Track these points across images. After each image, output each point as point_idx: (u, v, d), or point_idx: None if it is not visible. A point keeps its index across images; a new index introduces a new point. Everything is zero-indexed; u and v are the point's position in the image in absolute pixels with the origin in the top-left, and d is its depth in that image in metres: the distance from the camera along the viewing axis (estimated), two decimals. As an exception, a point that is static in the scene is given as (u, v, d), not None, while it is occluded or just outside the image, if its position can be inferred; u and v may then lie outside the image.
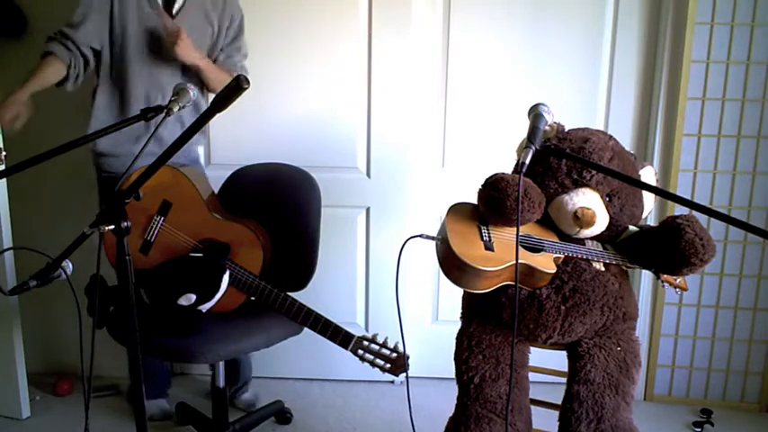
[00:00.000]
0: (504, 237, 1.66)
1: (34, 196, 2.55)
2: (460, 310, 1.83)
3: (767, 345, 2.51)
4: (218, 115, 1.25)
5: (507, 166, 1.86)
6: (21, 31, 2.41)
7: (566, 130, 1.80)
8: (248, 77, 1.21)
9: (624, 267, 1.72)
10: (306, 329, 1.95)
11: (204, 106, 2.17)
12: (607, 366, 1.61)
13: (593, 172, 1.68)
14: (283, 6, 2.41)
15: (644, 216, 1.83)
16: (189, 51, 2.02)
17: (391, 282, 2.52)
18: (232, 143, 2.53)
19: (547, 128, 1.52)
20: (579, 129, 1.81)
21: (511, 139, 1.89)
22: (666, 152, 2.43)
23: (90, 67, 2.11)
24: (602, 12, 2.42)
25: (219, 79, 2.12)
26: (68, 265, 1.28)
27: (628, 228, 1.75)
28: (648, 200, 1.81)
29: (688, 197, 1.83)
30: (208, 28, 2.15)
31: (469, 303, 1.81)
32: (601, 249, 1.71)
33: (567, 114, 1.87)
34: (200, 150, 2.42)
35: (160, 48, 2.07)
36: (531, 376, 1.73)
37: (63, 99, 2.49)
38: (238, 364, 2.42)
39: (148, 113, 1.45)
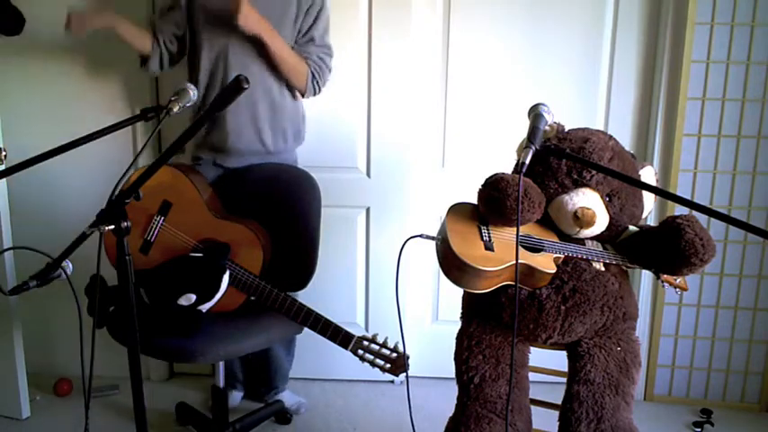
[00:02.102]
0: (504, 237, 1.66)
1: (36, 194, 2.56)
2: (460, 310, 1.83)
3: (767, 345, 2.51)
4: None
5: (507, 166, 1.86)
6: (18, 30, 2.41)
7: (566, 130, 1.80)
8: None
9: (624, 267, 1.72)
10: (306, 329, 1.95)
11: (284, 100, 2.16)
12: (607, 366, 1.61)
13: (593, 172, 1.68)
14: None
15: (644, 216, 1.83)
16: (252, 19, 1.93)
17: (391, 282, 2.52)
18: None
19: (547, 128, 1.52)
20: (579, 129, 1.81)
21: (511, 139, 1.89)
22: (666, 152, 2.43)
23: (175, 55, 2.15)
24: (602, 12, 2.42)
25: (290, 62, 2.06)
26: (68, 265, 1.29)
27: (628, 228, 1.75)
28: (648, 200, 1.81)
29: (688, 197, 1.83)
30: (287, 10, 2.09)
31: (469, 303, 1.81)
32: (601, 249, 1.71)
33: (567, 114, 1.87)
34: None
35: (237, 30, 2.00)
36: (531, 376, 1.73)
37: (63, 99, 2.50)
38: (268, 368, 2.42)
39: (148, 113, 1.45)
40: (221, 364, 2.04)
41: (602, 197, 1.70)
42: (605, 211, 1.71)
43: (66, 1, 2.39)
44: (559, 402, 1.66)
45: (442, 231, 1.66)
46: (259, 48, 2.04)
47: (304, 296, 2.00)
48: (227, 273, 1.86)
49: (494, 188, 1.62)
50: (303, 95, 2.21)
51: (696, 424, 2.41)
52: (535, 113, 1.41)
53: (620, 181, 1.68)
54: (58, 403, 2.49)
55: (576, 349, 1.66)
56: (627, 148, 1.83)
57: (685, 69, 2.34)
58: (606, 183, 1.70)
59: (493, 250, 1.61)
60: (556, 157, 1.71)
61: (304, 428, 2.35)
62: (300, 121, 2.25)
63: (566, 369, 1.69)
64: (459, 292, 1.79)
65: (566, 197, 1.70)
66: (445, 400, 1.82)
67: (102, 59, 2.47)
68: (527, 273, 1.61)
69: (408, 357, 1.86)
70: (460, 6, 2.44)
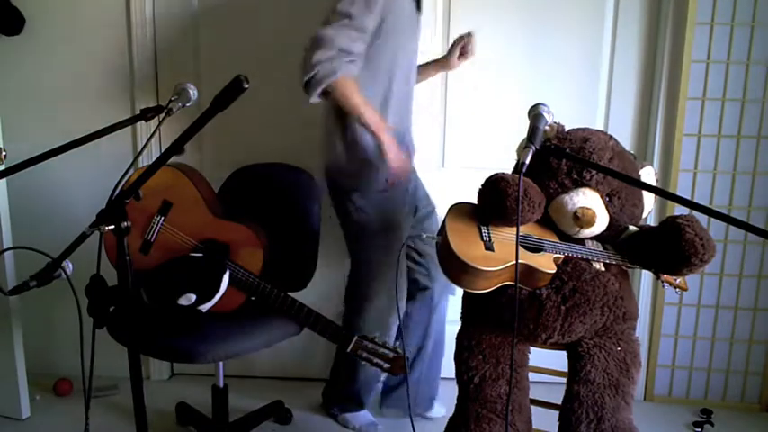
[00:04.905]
0: (504, 237, 1.66)
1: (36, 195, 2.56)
2: (460, 310, 1.83)
3: (767, 345, 2.51)
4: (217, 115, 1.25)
5: (507, 166, 1.86)
6: (18, 30, 2.41)
7: (566, 130, 1.80)
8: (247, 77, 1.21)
9: (624, 267, 1.72)
10: (306, 329, 1.95)
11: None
12: (607, 366, 1.61)
13: (593, 172, 1.68)
14: (284, 6, 2.41)
15: (644, 216, 1.83)
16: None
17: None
18: (232, 143, 2.53)
19: (547, 128, 1.52)
20: (579, 129, 1.81)
21: (511, 139, 1.89)
22: (666, 152, 2.43)
23: None
24: (602, 12, 2.42)
25: None
26: (68, 265, 1.28)
27: (628, 228, 1.75)
28: (648, 200, 1.81)
29: (688, 197, 1.83)
30: None
31: (469, 303, 1.80)
32: (601, 249, 1.71)
33: (567, 114, 1.87)
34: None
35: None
36: (531, 376, 1.73)
37: (63, 99, 2.50)
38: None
39: (148, 113, 1.45)
40: (221, 363, 2.04)
41: (602, 197, 1.70)
42: (605, 211, 1.71)
43: (66, 1, 2.40)
44: (559, 402, 1.66)
45: (442, 231, 1.66)
46: None
47: (304, 296, 2.00)
48: (227, 273, 1.86)
49: (494, 188, 1.62)
50: None
51: (696, 424, 2.41)
52: (535, 113, 1.41)
53: (620, 181, 1.68)
54: (58, 403, 2.49)
55: (576, 349, 1.66)
56: (627, 148, 1.83)
57: (685, 69, 2.34)
58: (606, 183, 1.70)
59: (493, 250, 1.61)
60: (556, 157, 1.71)
61: (304, 428, 2.35)
62: None
63: (566, 369, 1.69)
64: (459, 292, 1.79)
65: (566, 197, 1.70)
66: (445, 401, 1.82)
67: (103, 59, 2.47)
68: (527, 273, 1.61)
69: (408, 358, 1.86)
70: (460, 6, 2.44)
